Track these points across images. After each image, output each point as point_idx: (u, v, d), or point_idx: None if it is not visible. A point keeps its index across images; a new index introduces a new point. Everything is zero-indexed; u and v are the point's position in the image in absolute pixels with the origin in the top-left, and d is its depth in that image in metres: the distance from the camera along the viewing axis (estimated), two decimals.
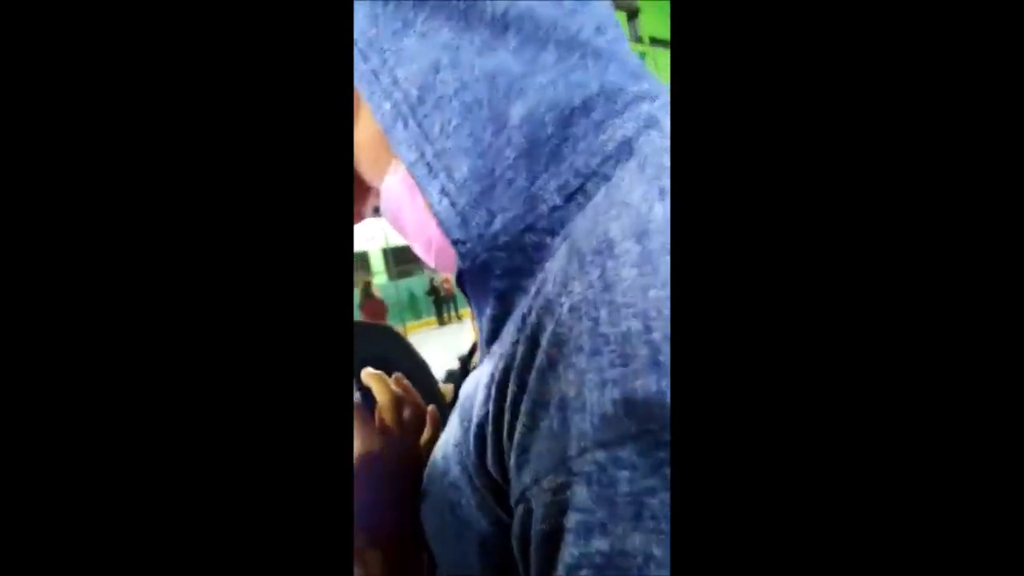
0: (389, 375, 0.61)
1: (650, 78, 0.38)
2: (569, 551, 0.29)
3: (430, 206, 0.36)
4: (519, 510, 0.32)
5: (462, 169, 0.35)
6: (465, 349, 3.46)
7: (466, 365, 3.26)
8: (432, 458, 0.45)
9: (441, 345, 7.09)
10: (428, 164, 0.36)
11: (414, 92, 0.36)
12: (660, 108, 0.36)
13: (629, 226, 0.31)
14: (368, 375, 0.60)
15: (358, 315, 8.48)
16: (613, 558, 0.27)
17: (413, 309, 15.68)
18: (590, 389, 0.28)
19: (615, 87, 0.36)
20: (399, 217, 0.41)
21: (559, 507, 0.29)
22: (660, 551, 0.26)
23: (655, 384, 0.27)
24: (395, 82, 0.36)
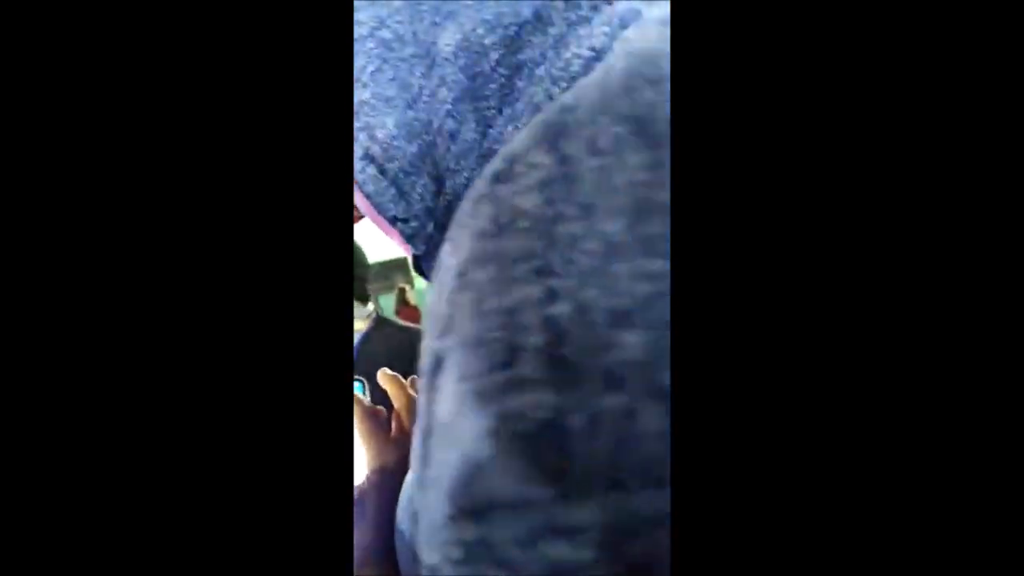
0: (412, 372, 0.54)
1: None
2: None
3: (356, 179, 0.28)
4: None
5: (387, 125, 0.26)
6: None
7: None
8: (404, 484, 0.36)
9: None
10: None
11: None
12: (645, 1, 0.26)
13: (541, 128, 0.21)
14: (384, 377, 0.54)
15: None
16: None
17: None
18: (465, 411, 0.19)
19: None
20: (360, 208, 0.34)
21: None
22: None
23: (550, 402, 0.17)
24: None
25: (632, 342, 0.17)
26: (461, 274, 0.20)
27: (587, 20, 0.26)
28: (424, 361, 0.22)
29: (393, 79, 0.26)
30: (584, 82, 0.21)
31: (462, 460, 0.18)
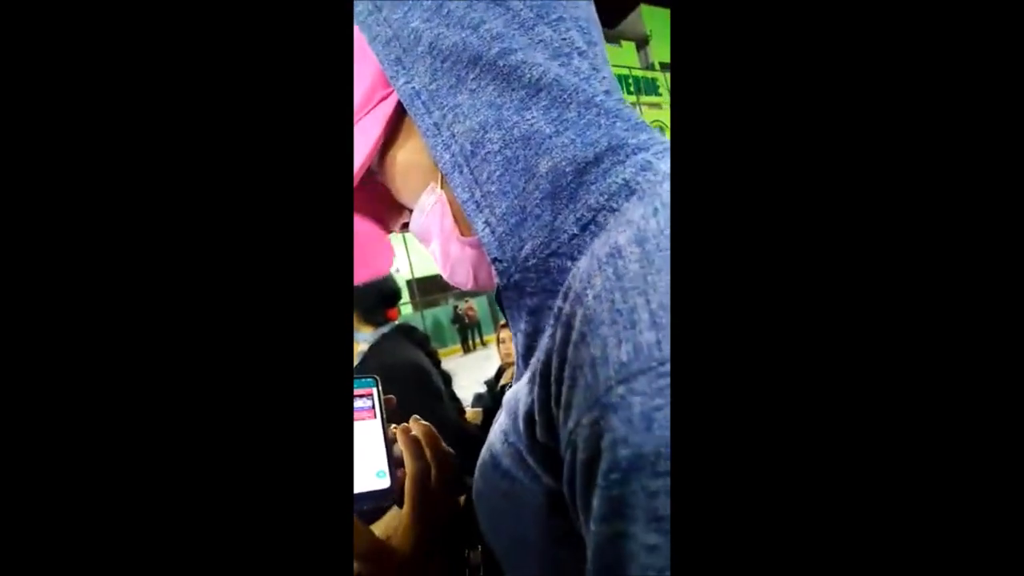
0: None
1: (647, 130, 0.48)
2: (603, 464, 0.35)
3: (476, 233, 0.47)
4: (567, 454, 0.39)
5: (501, 207, 0.46)
6: (490, 374, 3.52)
7: (492, 389, 3.33)
8: (480, 460, 0.53)
9: (467, 372, 7.16)
10: (476, 202, 0.46)
11: (468, 147, 0.46)
12: (654, 155, 0.46)
13: (632, 236, 0.39)
14: (405, 438, 0.64)
15: None
16: (633, 460, 0.34)
17: (439, 338, 15.62)
18: (611, 347, 0.36)
19: (620, 142, 0.46)
20: (428, 232, 0.53)
21: (596, 436, 0.36)
22: (667, 450, 0.33)
23: (654, 336, 0.35)
24: (453, 136, 0.47)
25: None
26: (597, 296, 0.38)
27: (623, 162, 0.45)
28: (570, 337, 0.39)
29: (509, 182, 0.45)
30: (653, 223, 0.39)
31: (617, 363, 0.35)
